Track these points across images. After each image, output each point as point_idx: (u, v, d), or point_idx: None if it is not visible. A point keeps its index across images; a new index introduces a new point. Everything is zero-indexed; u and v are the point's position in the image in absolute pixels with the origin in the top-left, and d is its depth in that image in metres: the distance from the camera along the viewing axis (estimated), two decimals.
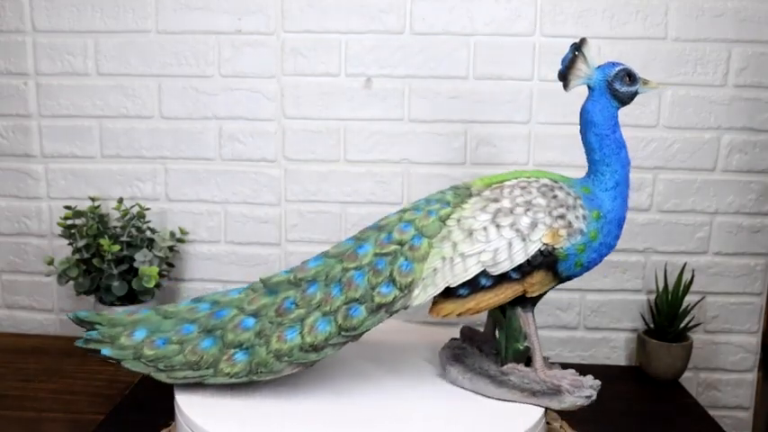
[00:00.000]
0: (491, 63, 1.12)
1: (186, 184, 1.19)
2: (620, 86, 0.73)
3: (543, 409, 0.71)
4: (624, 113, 1.11)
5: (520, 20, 1.11)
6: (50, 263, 1.10)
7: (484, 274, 0.70)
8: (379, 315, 0.70)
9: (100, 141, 1.18)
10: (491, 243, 0.70)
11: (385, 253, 0.72)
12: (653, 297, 1.15)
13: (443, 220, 0.72)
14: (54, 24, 1.15)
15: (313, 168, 1.17)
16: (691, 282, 1.10)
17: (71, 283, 1.10)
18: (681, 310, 1.09)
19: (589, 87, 0.74)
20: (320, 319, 0.69)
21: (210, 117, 1.16)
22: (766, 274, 1.17)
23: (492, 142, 1.14)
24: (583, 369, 1.15)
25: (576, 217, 0.71)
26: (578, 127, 0.76)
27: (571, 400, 0.70)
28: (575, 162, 1.14)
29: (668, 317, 1.09)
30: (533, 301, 0.73)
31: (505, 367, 0.74)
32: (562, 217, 0.70)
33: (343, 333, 0.69)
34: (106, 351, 0.70)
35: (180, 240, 1.17)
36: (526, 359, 0.75)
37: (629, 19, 1.10)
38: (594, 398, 0.71)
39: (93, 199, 1.13)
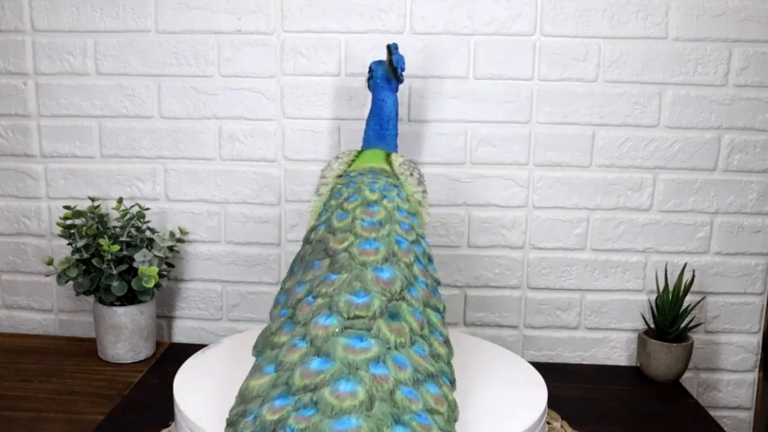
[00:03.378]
0: (491, 63, 1.12)
1: (186, 184, 1.19)
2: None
3: (543, 409, 0.71)
4: (625, 114, 1.12)
5: (520, 19, 1.11)
6: (50, 263, 1.10)
7: None
8: (440, 291, 0.75)
9: (99, 141, 1.18)
10: (428, 206, 0.88)
11: (414, 239, 0.77)
12: (653, 297, 1.15)
13: (408, 200, 0.83)
14: (53, 24, 1.15)
15: (313, 168, 1.17)
16: (691, 282, 1.10)
17: (71, 283, 1.10)
18: (681, 310, 1.09)
19: (388, 80, 0.96)
20: (435, 314, 0.71)
21: (210, 117, 1.16)
22: (767, 274, 1.17)
23: (492, 142, 1.14)
24: (583, 369, 1.16)
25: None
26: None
27: None
28: (575, 161, 1.14)
29: (669, 317, 1.09)
30: None
31: None
32: (422, 175, 0.90)
33: (443, 318, 0.72)
34: None
35: (180, 240, 1.17)
36: None
37: (630, 18, 1.10)
38: None
39: (92, 199, 1.13)
